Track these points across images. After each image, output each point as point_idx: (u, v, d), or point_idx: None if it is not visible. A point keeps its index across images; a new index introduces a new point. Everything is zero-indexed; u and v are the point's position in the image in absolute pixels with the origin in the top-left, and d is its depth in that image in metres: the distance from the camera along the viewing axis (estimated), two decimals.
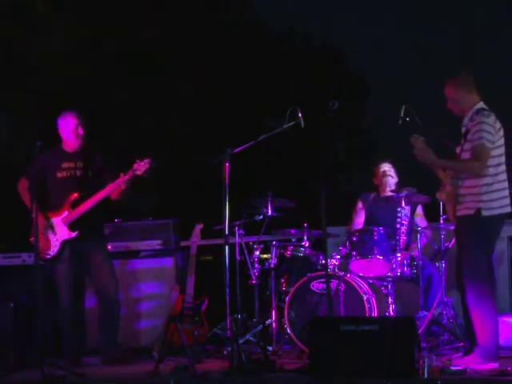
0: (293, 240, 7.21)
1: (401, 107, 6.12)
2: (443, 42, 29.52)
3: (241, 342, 6.31)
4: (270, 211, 6.97)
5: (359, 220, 7.31)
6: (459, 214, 5.49)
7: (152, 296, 7.43)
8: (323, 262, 6.68)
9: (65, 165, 6.35)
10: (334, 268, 6.69)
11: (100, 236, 6.49)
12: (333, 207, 6.04)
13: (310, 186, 14.98)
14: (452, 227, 6.57)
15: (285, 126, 6.15)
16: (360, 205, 7.35)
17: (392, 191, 6.93)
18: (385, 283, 6.69)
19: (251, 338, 6.79)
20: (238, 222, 6.97)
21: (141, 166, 6.16)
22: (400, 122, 6.16)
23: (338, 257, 6.77)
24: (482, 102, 5.53)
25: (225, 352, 6.44)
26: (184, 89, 16.40)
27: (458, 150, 5.56)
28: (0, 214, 11.58)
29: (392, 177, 7.18)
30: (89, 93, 14.43)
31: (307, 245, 7.00)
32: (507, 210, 5.45)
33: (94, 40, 15.44)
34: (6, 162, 13.48)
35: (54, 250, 6.24)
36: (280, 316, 6.79)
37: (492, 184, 5.39)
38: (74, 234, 6.23)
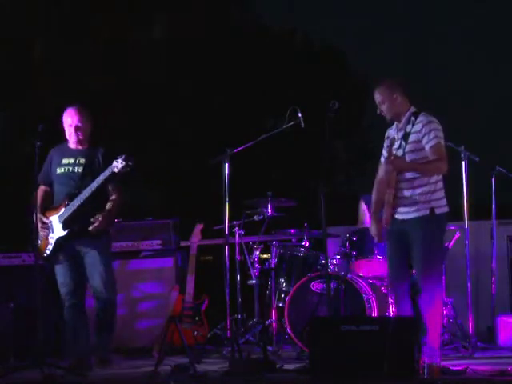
0: (293, 240, 7.20)
1: None
2: (443, 42, 29.55)
3: (241, 342, 6.32)
4: (270, 211, 6.97)
5: (366, 219, 7.28)
6: (408, 216, 5.36)
7: (152, 296, 7.41)
8: (323, 262, 6.68)
9: (65, 160, 6.19)
10: (334, 268, 6.69)
11: (94, 234, 6.10)
12: (333, 207, 6.03)
13: (310, 185, 14.98)
14: (452, 227, 6.59)
15: (285, 126, 6.15)
16: (363, 206, 7.33)
17: None
18: (385, 283, 6.69)
19: (251, 338, 6.79)
20: (237, 222, 6.97)
21: (118, 164, 5.94)
22: None
23: (338, 257, 6.77)
24: (412, 107, 5.49)
25: (225, 352, 6.44)
26: (184, 89, 16.40)
27: (399, 152, 5.39)
28: (0, 214, 11.57)
29: None
30: (88, 92, 14.43)
31: (307, 245, 7.00)
32: (448, 208, 5.44)
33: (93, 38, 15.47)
34: (6, 162, 13.48)
35: (49, 248, 6.13)
36: (280, 316, 6.79)
37: (437, 182, 5.38)
38: (64, 233, 6.09)
